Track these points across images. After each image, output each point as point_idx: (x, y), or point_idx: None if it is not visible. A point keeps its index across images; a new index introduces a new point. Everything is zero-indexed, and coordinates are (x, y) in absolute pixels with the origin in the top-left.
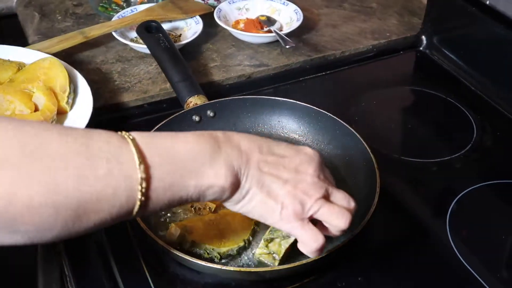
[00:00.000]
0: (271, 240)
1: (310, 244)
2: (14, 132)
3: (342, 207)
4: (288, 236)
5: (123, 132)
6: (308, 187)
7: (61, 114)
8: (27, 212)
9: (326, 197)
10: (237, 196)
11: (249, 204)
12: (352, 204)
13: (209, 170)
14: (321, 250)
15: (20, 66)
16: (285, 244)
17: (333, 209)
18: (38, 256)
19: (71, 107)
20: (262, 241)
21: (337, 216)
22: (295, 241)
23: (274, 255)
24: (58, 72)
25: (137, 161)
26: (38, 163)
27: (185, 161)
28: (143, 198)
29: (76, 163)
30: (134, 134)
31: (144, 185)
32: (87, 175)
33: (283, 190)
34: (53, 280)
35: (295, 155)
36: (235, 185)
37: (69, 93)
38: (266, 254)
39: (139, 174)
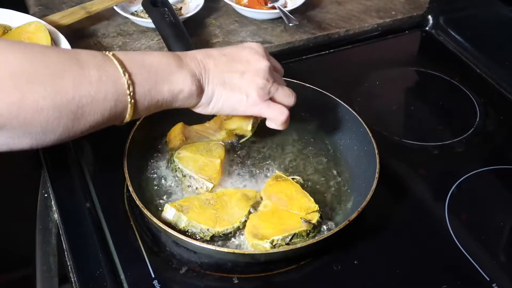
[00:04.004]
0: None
1: (278, 117)
2: (20, 47)
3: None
4: None
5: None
6: (263, 73)
7: None
8: (35, 114)
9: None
10: (204, 99)
11: (219, 102)
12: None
13: (177, 77)
14: (287, 121)
15: (5, 29)
16: None
17: (285, 90)
18: (36, 236)
19: None
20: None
21: (289, 95)
22: None
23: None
24: (41, 36)
25: (120, 70)
26: (41, 72)
27: (157, 71)
28: (132, 101)
29: (72, 71)
30: (112, 52)
31: (131, 89)
32: (82, 81)
33: (243, 81)
34: (50, 258)
35: (242, 50)
36: (200, 89)
37: None
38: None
39: (125, 79)
